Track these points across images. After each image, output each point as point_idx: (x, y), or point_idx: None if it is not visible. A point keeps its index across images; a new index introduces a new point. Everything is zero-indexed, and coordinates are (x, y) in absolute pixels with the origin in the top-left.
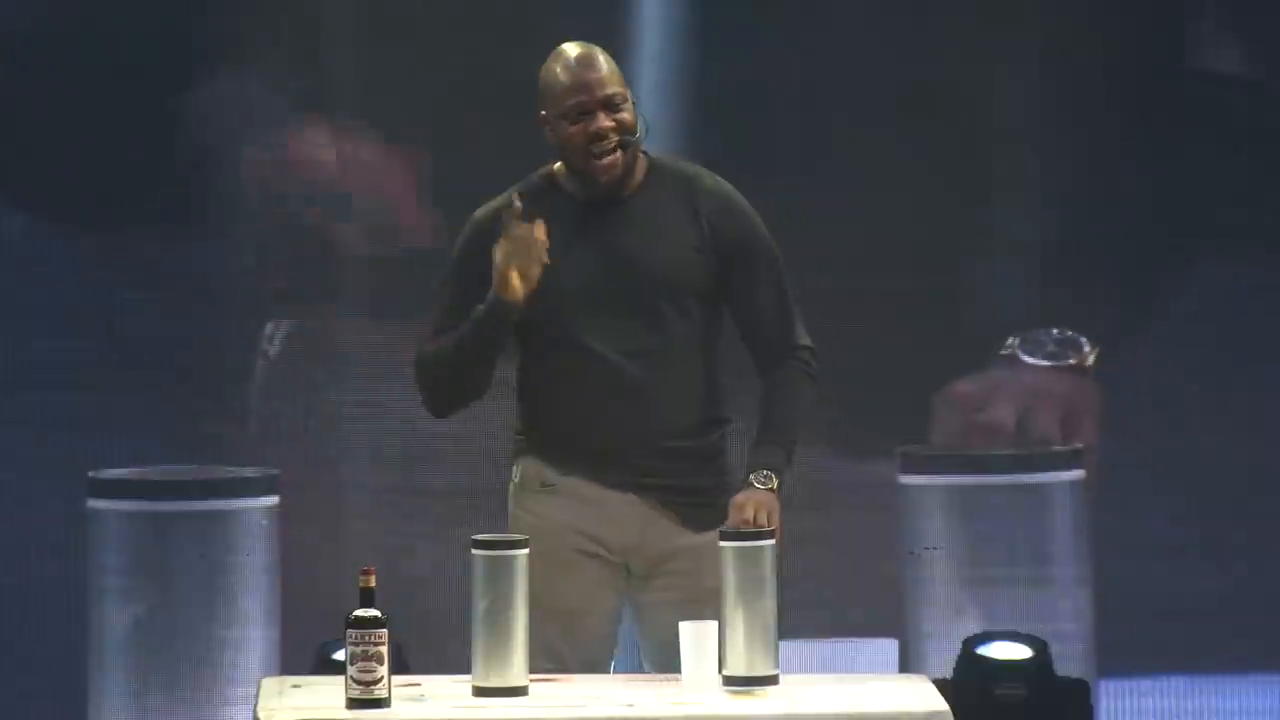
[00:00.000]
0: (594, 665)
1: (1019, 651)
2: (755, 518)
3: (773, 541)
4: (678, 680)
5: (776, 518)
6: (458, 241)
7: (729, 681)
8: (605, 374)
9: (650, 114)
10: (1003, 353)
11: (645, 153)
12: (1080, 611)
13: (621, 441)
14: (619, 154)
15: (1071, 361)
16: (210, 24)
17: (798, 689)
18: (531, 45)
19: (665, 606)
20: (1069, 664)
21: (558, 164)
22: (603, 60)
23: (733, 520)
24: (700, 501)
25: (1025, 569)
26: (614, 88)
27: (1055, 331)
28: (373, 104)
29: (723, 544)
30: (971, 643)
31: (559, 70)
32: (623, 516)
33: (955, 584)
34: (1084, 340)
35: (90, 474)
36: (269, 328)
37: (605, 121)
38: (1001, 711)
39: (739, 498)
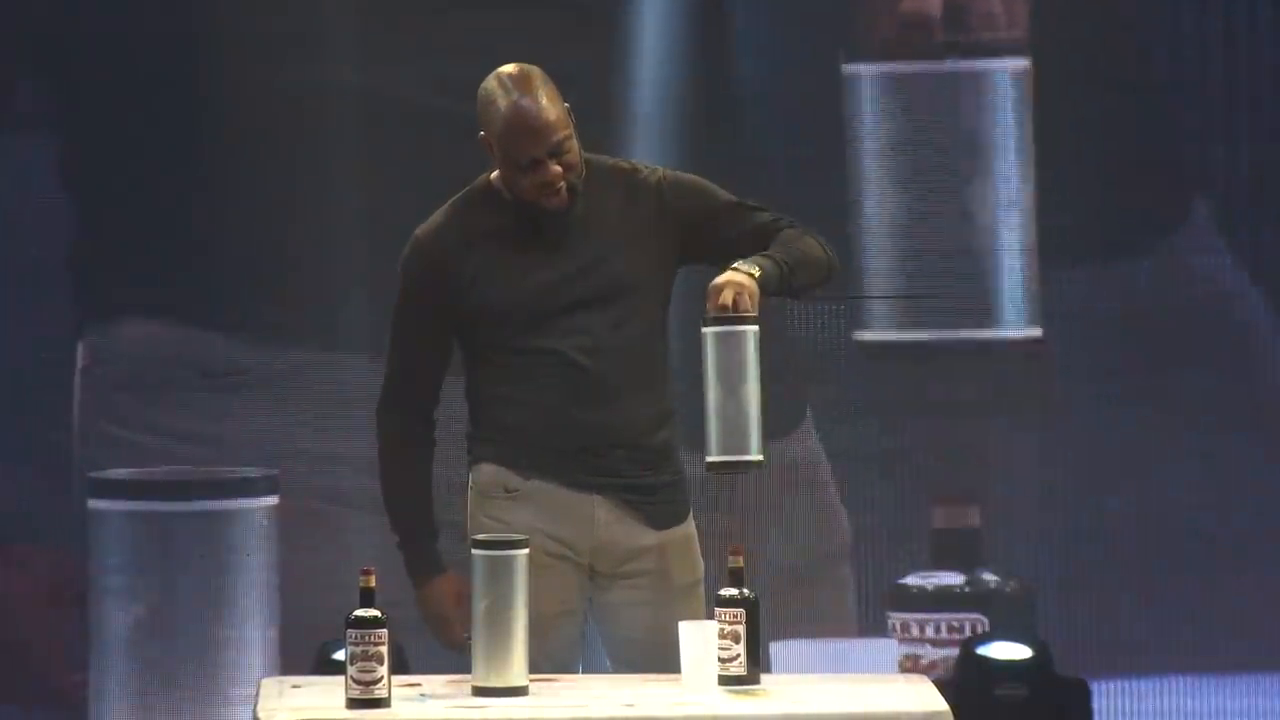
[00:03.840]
0: (564, 668)
1: (1019, 651)
2: (735, 301)
3: (755, 328)
4: (678, 680)
5: (755, 301)
6: (402, 262)
7: (711, 468)
8: (566, 375)
9: (647, 109)
10: None
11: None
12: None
13: (585, 442)
14: (565, 191)
15: None
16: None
17: (798, 689)
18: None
19: (633, 606)
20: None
21: (495, 172)
22: (545, 102)
23: (710, 304)
24: (662, 500)
25: (962, 159)
26: (559, 133)
27: None
28: (361, 118)
29: (704, 330)
30: (971, 643)
31: (503, 114)
32: (587, 518)
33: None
34: None
35: (91, 474)
36: (81, 347)
37: (553, 169)
38: (1001, 711)
39: (716, 281)
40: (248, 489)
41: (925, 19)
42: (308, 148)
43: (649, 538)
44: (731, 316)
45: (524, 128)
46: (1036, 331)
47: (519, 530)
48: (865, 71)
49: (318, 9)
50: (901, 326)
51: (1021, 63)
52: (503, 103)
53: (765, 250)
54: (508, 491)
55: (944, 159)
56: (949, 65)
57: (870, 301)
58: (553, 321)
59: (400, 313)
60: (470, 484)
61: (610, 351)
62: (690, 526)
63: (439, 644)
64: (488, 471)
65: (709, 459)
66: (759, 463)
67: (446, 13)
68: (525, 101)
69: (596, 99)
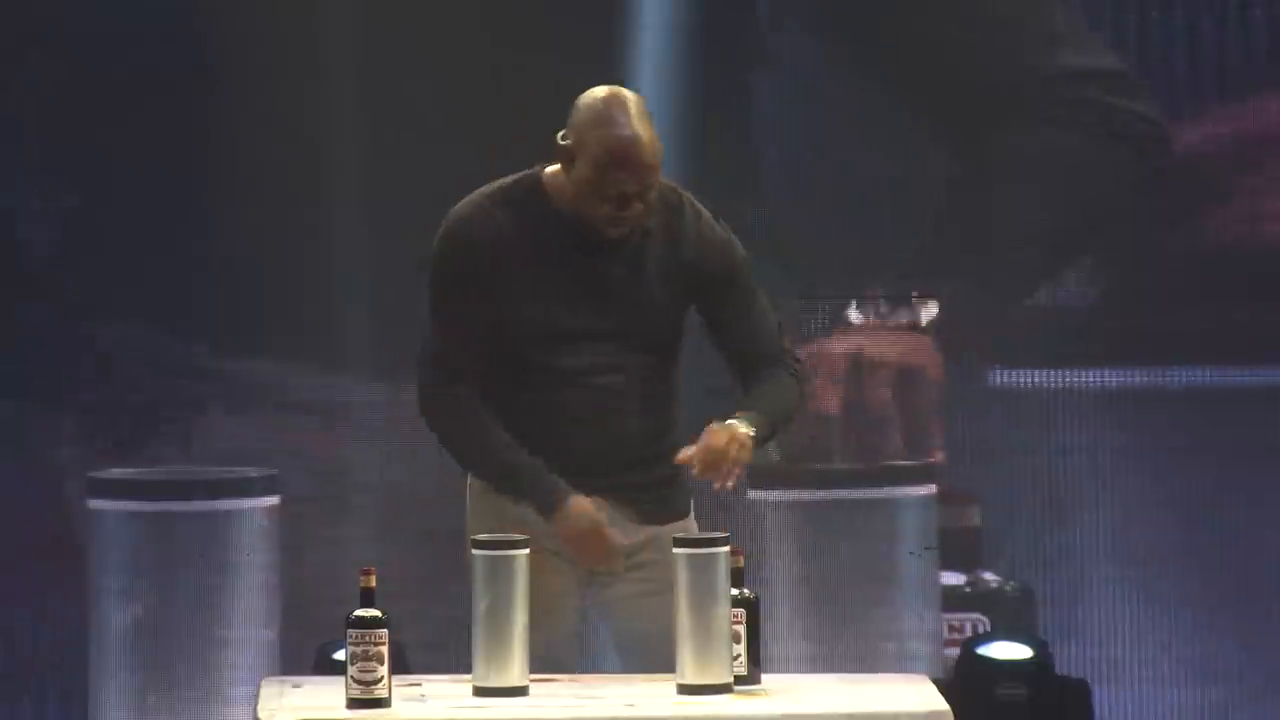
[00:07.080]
0: (561, 664)
1: (1019, 651)
2: (728, 448)
3: (725, 549)
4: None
5: (748, 455)
6: (439, 249)
7: (682, 690)
8: (571, 395)
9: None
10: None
11: None
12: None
13: (581, 460)
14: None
15: (903, 321)
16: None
17: (798, 689)
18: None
19: (636, 599)
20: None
21: (548, 169)
22: (649, 139)
23: (702, 444)
24: (657, 496)
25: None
26: (654, 175)
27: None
28: (367, 111)
29: (676, 550)
30: (972, 643)
31: (608, 141)
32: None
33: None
34: (915, 301)
35: (91, 474)
36: None
37: (636, 206)
38: (1001, 711)
39: (714, 425)
40: (247, 489)
41: (821, 449)
42: (305, 142)
43: (644, 533)
44: (702, 539)
45: (626, 162)
46: None
47: (517, 523)
48: (769, 498)
49: (320, 26)
50: None
51: (928, 489)
52: (609, 129)
53: (752, 400)
54: None
55: (846, 586)
56: (848, 493)
57: None
58: (565, 343)
59: (442, 304)
60: (469, 478)
61: (618, 377)
62: (690, 521)
63: (592, 564)
64: None
65: (680, 681)
66: (729, 685)
67: (452, 34)
68: (635, 133)
69: None
